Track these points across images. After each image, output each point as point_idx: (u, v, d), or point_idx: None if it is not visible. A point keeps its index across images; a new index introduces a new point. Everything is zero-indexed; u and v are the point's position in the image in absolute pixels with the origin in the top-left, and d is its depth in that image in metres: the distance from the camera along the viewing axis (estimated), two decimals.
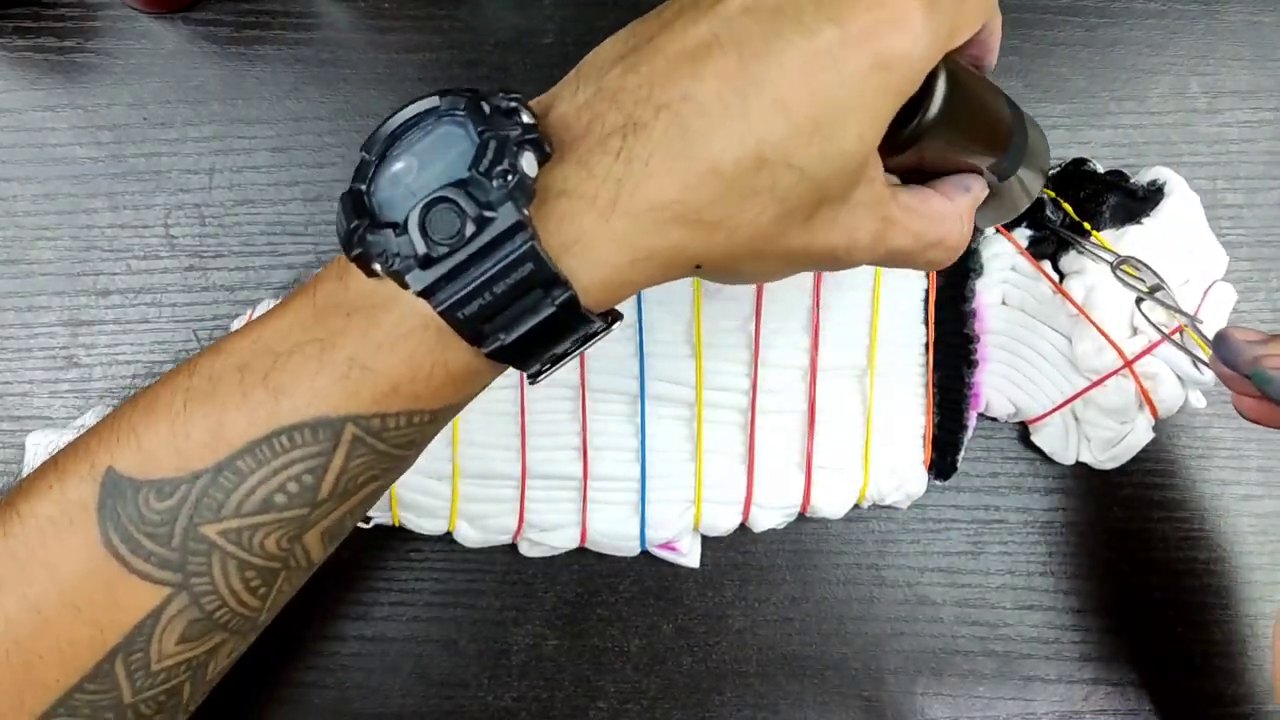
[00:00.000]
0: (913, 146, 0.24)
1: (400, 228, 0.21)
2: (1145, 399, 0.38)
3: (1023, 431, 0.41)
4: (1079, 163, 0.41)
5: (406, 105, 0.23)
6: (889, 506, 0.39)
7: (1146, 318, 0.37)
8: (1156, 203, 0.38)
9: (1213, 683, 0.39)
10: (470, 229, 0.21)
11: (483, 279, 0.21)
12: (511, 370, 0.24)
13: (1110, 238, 0.38)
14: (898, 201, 0.25)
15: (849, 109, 0.22)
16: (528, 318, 0.22)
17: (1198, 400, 0.39)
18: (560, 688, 0.39)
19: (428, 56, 0.41)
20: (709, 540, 0.39)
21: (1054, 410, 0.39)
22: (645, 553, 0.38)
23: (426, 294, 0.21)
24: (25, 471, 0.35)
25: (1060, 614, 0.40)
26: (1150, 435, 0.38)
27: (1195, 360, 0.36)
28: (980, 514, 0.40)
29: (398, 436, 0.24)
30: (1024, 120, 0.29)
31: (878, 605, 0.40)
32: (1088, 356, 0.38)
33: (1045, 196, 0.39)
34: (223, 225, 0.40)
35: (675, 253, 0.22)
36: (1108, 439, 0.38)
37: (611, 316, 0.24)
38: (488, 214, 0.20)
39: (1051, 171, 0.41)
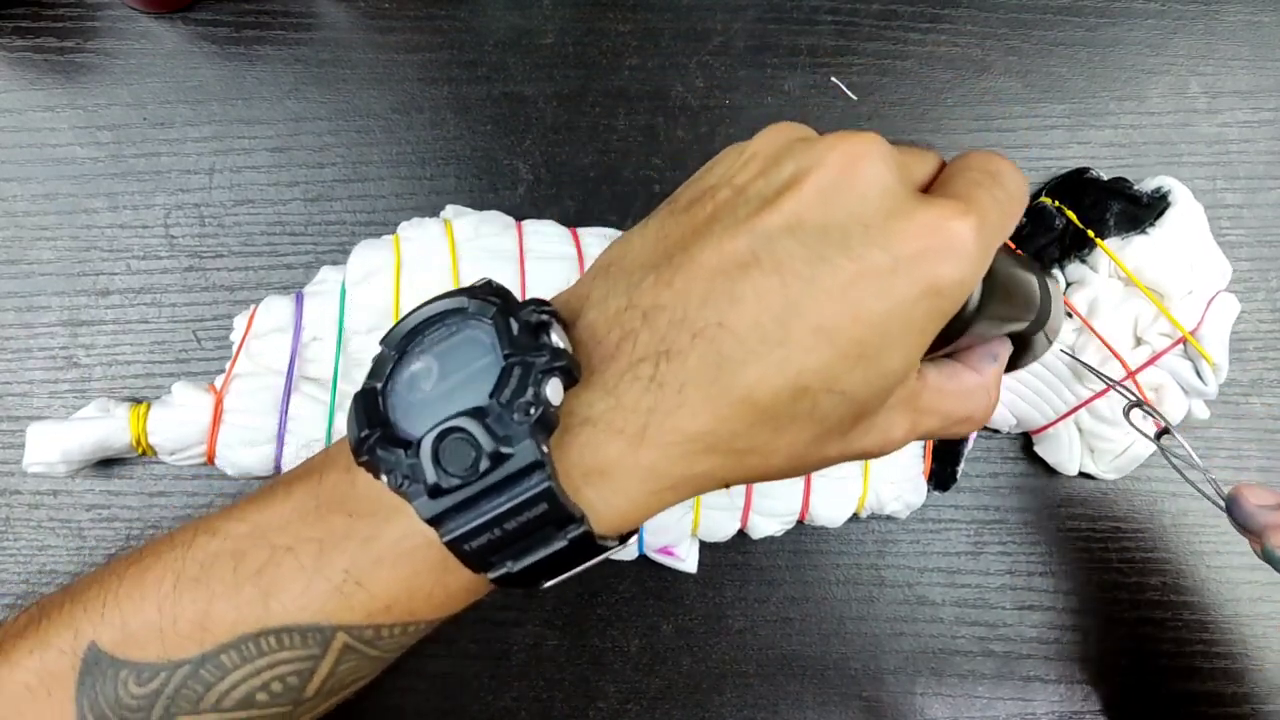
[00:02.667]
0: (950, 343, 0.24)
1: (412, 449, 0.20)
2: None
3: (1023, 433, 0.41)
4: (1081, 171, 0.41)
5: (431, 301, 0.22)
6: (888, 516, 0.39)
7: (1168, 453, 0.36)
8: (1161, 210, 0.38)
9: (1213, 683, 0.39)
10: (485, 464, 0.19)
11: (494, 514, 0.20)
12: None
13: (1115, 246, 0.38)
14: (928, 387, 0.24)
15: (897, 334, 0.21)
16: (538, 549, 0.21)
17: (1201, 410, 0.39)
18: (560, 688, 0.39)
19: (428, 56, 0.41)
20: (708, 542, 0.39)
21: (1057, 421, 0.39)
22: (643, 557, 0.38)
23: (433, 522, 0.20)
24: (26, 464, 0.35)
25: (1060, 614, 0.40)
26: (1153, 447, 0.38)
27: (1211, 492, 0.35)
28: (980, 514, 0.40)
29: (390, 644, 0.23)
30: (1042, 275, 0.28)
31: (877, 605, 0.40)
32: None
33: (1049, 205, 0.39)
34: (222, 225, 0.40)
35: (704, 478, 0.22)
36: (1112, 450, 0.38)
37: (627, 535, 0.22)
38: (505, 450, 0.19)
39: (1053, 180, 0.41)
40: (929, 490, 0.39)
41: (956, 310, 0.22)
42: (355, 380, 0.36)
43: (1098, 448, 0.39)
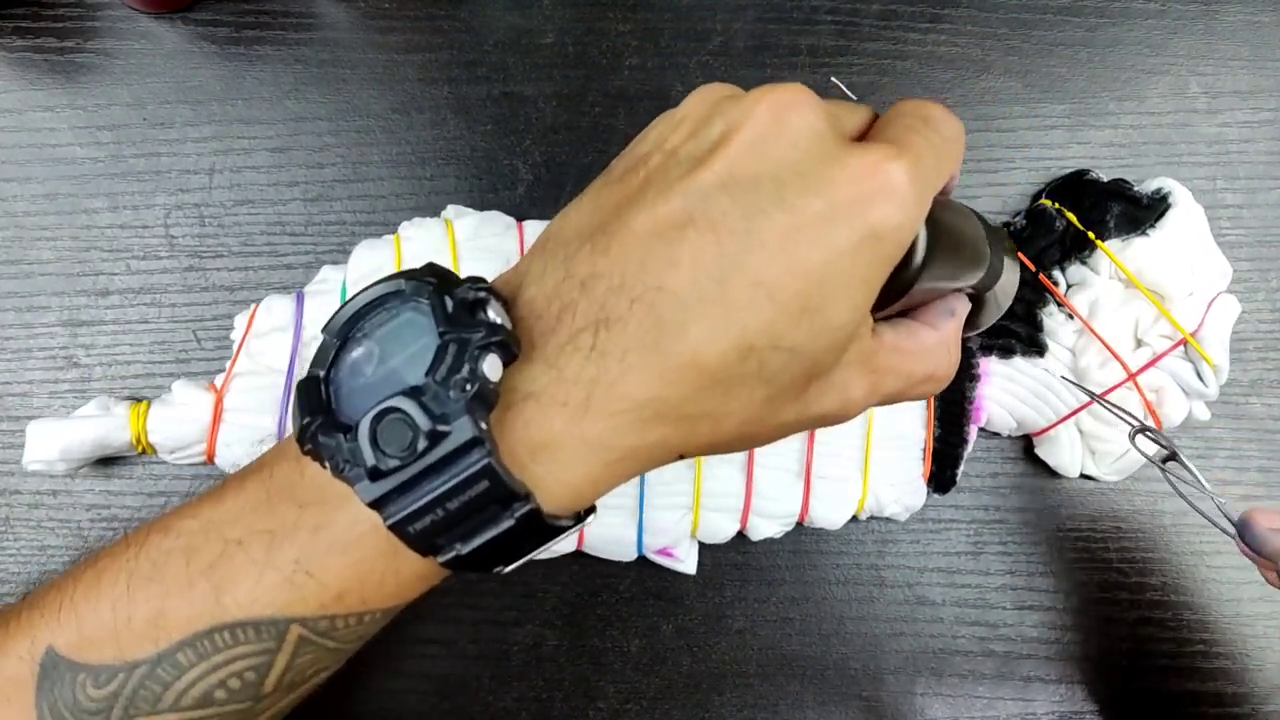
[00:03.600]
0: (901, 298, 0.23)
1: (351, 433, 0.20)
2: (1150, 411, 0.38)
3: (1023, 435, 0.41)
4: (1081, 173, 0.41)
5: (370, 286, 0.22)
6: (888, 518, 0.39)
7: (1174, 477, 0.35)
8: (1161, 212, 0.38)
9: (1213, 683, 0.39)
10: (422, 443, 0.19)
11: (435, 495, 0.19)
12: None
13: (1115, 248, 0.38)
14: (885, 346, 0.24)
15: (839, 284, 0.20)
16: (486, 529, 0.20)
17: (1202, 412, 0.39)
18: (560, 688, 0.39)
19: (428, 56, 0.41)
20: (707, 543, 0.39)
21: (1058, 423, 0.39)
22: (642, 558, 0.38)
23: (375, 506, 0.20)
24: (26, 462, 0.35)
25: (1060, 614, 0.40)
26: (1154, 448, 0.38)
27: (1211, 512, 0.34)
28: (980, 514, 0.40)
29: (347, 634, 0.23)
30: (989, 225, 0.28)
31: (877, 606, 0.40)
32: (1092, 370, 0.38)
33: (1049, 208, 0.39)
34: (222, 225, 0.40)
35: (656, 449, 0.21)
36: (1113, 452, 0.38)
37: (584, 513, 0.22)
38: (441, 428, 0.19)
39: (1053, 182, 0.41)
40: (929, 492, 0.39)
41: (899, 256, 0.21)
42: None
43: (1099, 450, 0.39)
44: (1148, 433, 0.35)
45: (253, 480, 0.23)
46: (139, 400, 0.37)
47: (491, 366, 0.20)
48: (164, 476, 0.39)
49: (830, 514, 0.38)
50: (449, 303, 0.21)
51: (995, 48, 0.43)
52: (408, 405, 0.19)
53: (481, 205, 0.40)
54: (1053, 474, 0.40)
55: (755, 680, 0.39)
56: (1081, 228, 0.39)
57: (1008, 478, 0.41)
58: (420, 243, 0.37)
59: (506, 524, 0.20)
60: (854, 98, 0.42)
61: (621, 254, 0.21)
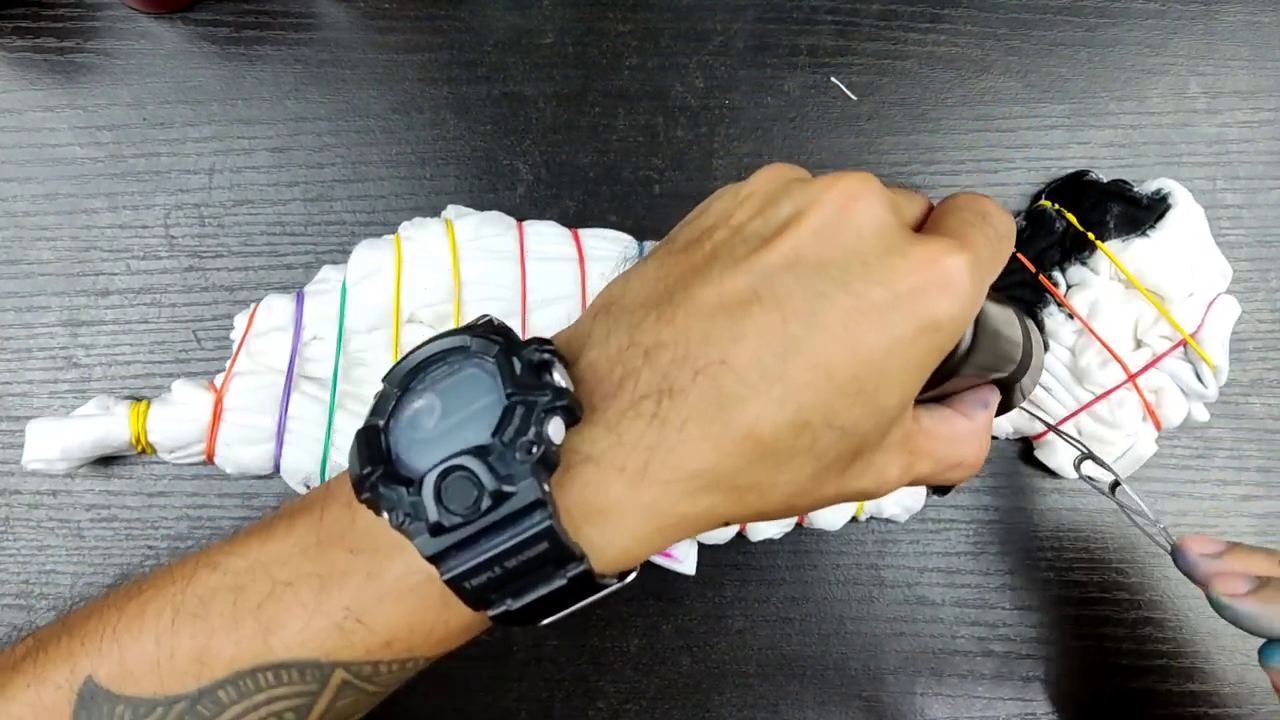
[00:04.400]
0: (942, 384, 0.24)
1: (414, 487, 0.20)
2: (1149, 412, 0.38)
3: (1022, 437, 0.41)
4: (1080, 174, 0.41)
5: (434, 339, 0.22)
6: (887, 520, 0.39)
7: (1124, 505, 0.36)
8: (1161, 212, 0.38)
9: (1213, 682, 0.39)
10: (486, 502, 0.20)
11: (495, 553, 0.20)
12: None
13: (1115, 248, 0.38)
14: (923, 430, 0.25)
15: (895, 369, 0.21)
16: (539, 587, 0.21)
17: (1201, 413, 0.39)
18: (560, 688, 0.39)
19: (428, 56, 0.41)
20: (707, 544, 0.39)
21: (1058, 424, 0.39)
22: None
23: (434, 560, 0.20)
24: (25, 461, 0.35)
25: (1060, 614, 0.40)
26: (1154, 448, 0.38)
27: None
28: (980, 514, 0.40)
29: (389, 679, 0.23)
30: (1023, 318, 0.29)
31: (877, 606, 0.40)
32: (1092, 370, 0.38)
33: (1049, 209, 0.39)
34: (222, 225, 0.40)
35: (704, 516, 0.22)
36: (1112, 453, 0.38)
37: (626, 574, 0.23)
38: (507, 488, 0.20)
39: (1053, 183, 0.41)
40: (928, 494, 0.39)
41: (950, 347, 0.22)
42: (355, 380, 0.36)
43: (1098, 450, 0.39)
44: (1094, 460, 0.36)
45: (302, 522, 0.23)
46: (139, 400, 0.37)
47: (556, 429, 0.20)
48: (164, 476, 0.39)
49: (830, 515, 0.38)
50: (516, 364, 0.21)
51: (995, 48, 0.43)
52: (474, 464, 0.20)
53: (481, 205, 0.40)
54: (1052, 475, 0.40)
55: (755, 680, 0.39)
56: (1081, 228, 0.39)
57: (1007, 478, 0.41)
58: (420, 242, 0.37)
59: (558, 583, 0.20)
60: (854, 98, 0.42)
61: (686, 325, 0.21)
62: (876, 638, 0.39)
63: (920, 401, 0.25)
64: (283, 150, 0.40)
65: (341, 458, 0.35)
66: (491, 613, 0.21)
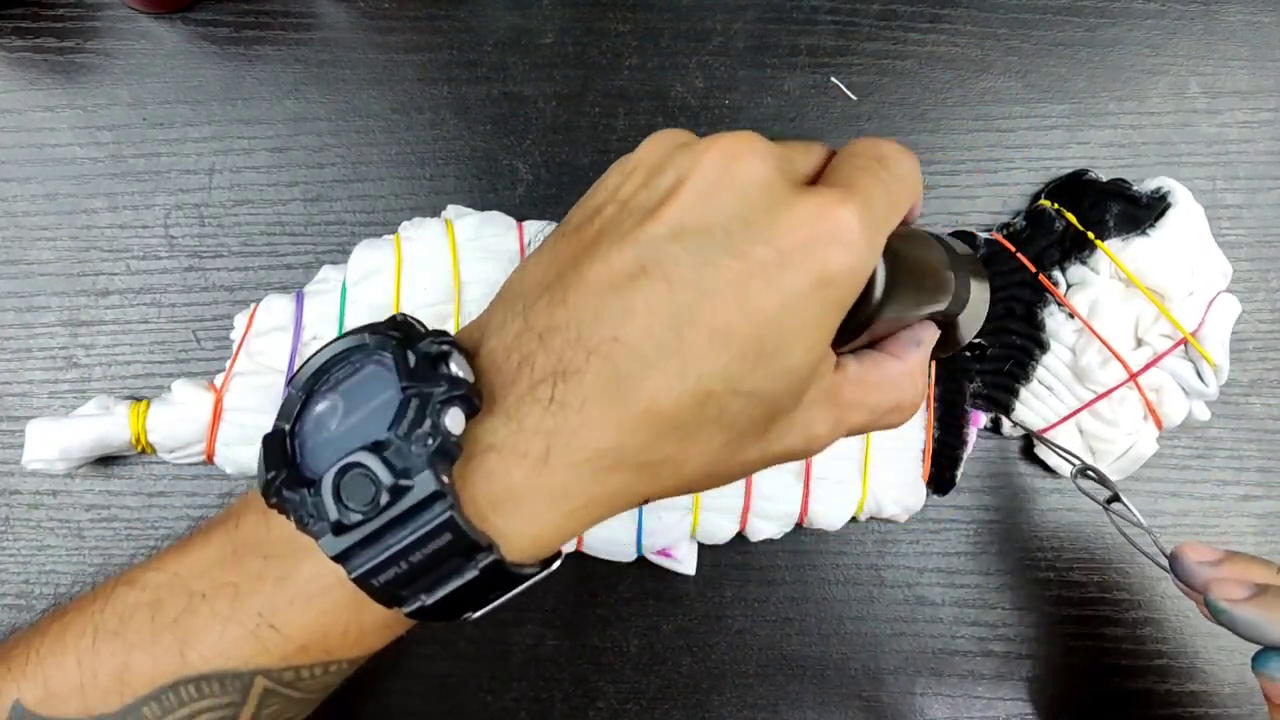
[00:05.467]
0: (862, 333, 0.23)
1: (315, 488, 0.20)
2: (1150, 411, 0.38)
3: (1024, 435, 0.41)
4: (1079, 173, 0.41)
5: (334, 340, 0.22)
6: (887, 520, 0.39)
7: (1117, 507, 0.36)
8: (1161, 211, 0.38)
9: (1213, 682, 0.39)
10: (385, 498, 0.19)
11: (398, 548, 0.20)
12: None
13: (1115, 247, 0.38)
14: (848, 380, 0.24)
15: (793, 328, 0.21)
16: (450, 580, 0.20)
17: (1202, 412, 0.39)
18: (560, 688, 0.39)
19: (428, 56, 0.41)
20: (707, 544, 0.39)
21: (1059, 423, 0.39)
22: (641, 558, 0.38)
23: (339, 560, 0.20)
24: (25, 461, 0.35)
25: (1060, 614, 0.40)
26: (1155, 447, 0.38)
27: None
28: (980, 514, 0.40)
29: (312, 684, 0.23)
30: (954, 251, 0.28)
31: (877, 606, 0.40)
32: (1093, 369, 0.38)
33: (1048, 208, 0.39)
34: (222, 225, 0.40)
35: (618, 495, 0.21)
36: (1113, 451, 0.38)
37: (551, 559, 0.22)
38: (404, 482, 0.19)
39: (1052, 183, 0.41)
40: (928, 493, 0.39)
41: (853, 297, 0.22)
42: None
43: (1099, 449, 0.39)
44: (1090, 472, 0.36)
45: (218, 532, 0.23)
46: (139, 400, 0.37)
47: (454, 420, 0.20)
48: (164, 476, 0.39)
49: (830, 515, 0.38)
50: (411, 357, 0.21)
51: (995, 48, 0.43)
52: (370, 460, 0.19)
53: (481, 205, 0.40)
54: (1052, 475, 0.40)
55: (755, 680, 0.39)
56: (1081, 228, 0.39)
57: (1007, 478, 0.41)
58: (420, 243, 0.37)
59: (470, 575, 0.20)
60: (854, 98, 0.42)
61: (577, 305, 0.21)
62: (876, 638, 0.39)
63: (849, 350, 0.25)
64: (283, 150, 0.41)
65: None
66: (406, 610, 0.21)
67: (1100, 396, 0.38)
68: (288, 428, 0.21)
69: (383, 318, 0.36)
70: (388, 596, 0.21)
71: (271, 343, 0.37)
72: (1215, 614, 0.30)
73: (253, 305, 0.37)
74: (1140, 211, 0.39)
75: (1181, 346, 0.38)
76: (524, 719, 0.38)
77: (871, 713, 0.39)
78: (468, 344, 0.23)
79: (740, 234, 0.21)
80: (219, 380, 0.36)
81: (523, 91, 0.42)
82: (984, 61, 0.43)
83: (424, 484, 0.19)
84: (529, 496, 0.21)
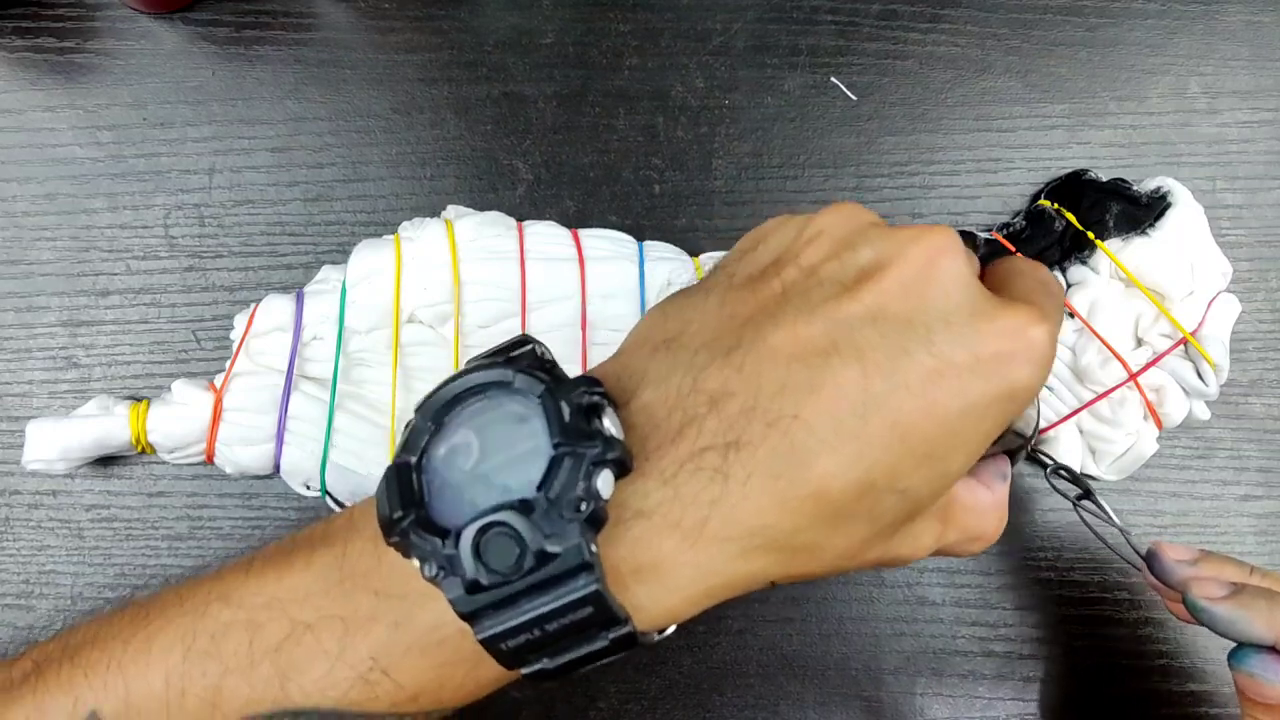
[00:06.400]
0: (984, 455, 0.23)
1: (450, 539, 0.19)
2: (1150, 411, 0.38)
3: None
4: (1079, 173, 0.41)
5: (472, 370, 0.21)
6: None
7: (1085, 516, 0.36)
8: (1161, 211, 0.38)
9: (1214, 682, 0.39)
10: (529, 562, 0.18)
11: (534, 615, 0.19)
12: None
13: (1115, 247, 0.38)
14: (957, 500, 0.24)
15: (965, 435, 0.20)
16: (578, 648, 0.19)
17: (1202, 412, 0.39)
18: (560, 688, 0.39)
19: (428, 56, 0.41)
20: None
21: (1058, 423, 0.39)
22: None
23: (468, 619, 0.19)
24: (25, 461, 0.35)
25: (1059, 614, 0.40)
26: (1155, 447, 0.38)
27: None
28: None
29: None
30: None
31: (878, 605, 0.40)
32: (1093, 369, 0.38)
33: (1048, 208, 0.39)
34: (222, 225, 0.40)
35: (754, 576, 0.21)
36: (1113, 451, 0.38)
37: (664, 629, 0.22)
38: (551, 548, 0.18)
39: (1051, 183, 0.41)
40: None
41: (1017, 417, 0.22)
42: (355, 380, 0.36)
43: (1099, 449, 0.39)
44: (1064, 471, 0.36)
45: (323, 556, 0.22)
46: (139, 400, 0.37)
47: (605, 483, 0.19)
48: (164, 476, 0.39)
49: None
50: (565, 409, 0.19)
51: (995, 48, 0.43)
52: (518, 523, 0.18)
53: (481, 205, 0.40)
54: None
55: (756, 680, 0.39)
56: (1081, 227, 0.39)
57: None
58: (421, 243, 0.37)
59: (599, 645, 0.19)
60: (854, 98, 0.42)
61: (756, 372, 0.20)
62: (876, 638, 0.39)
63: None
64: (283, 150, 0.40)
65: (341, 458, 0.35)
66: (526, 671, 0.20)
67: (1100, 396, 0.38)
68: (414, 460, 0.20)
69: (383, 318, 0.36)
70: (513, 660, 0.20)
71: (271, 343, 0.37)
72: (1195, 612, 0.30)
73: (253, 305, 0.37)
74: (1140, 211, 0.39)
75: (1181, 346, 0.38)
76: (525, 718, 0.38)
77: (872, 713, 0.39)
78: (616, 392, 0.21)
79: (940, 332, 0.20)
80: (219, 380, 0.36)
81: (523, 91, 0.42)
82: (984, 61, 0.43)
83: (573, 553, 0.18)
84: (674, 569, 0.20)
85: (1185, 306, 0.38)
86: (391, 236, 0.38)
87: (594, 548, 0.19)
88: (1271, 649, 0.29)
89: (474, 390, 0.20)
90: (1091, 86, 0.42)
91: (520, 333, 0.22)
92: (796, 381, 0.20)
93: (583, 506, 0.18)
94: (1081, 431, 0.39)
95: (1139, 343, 0.38)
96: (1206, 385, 0.38)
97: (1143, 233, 0.38)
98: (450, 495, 0.20)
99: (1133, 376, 0.37)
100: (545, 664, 0.20)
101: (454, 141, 0.41)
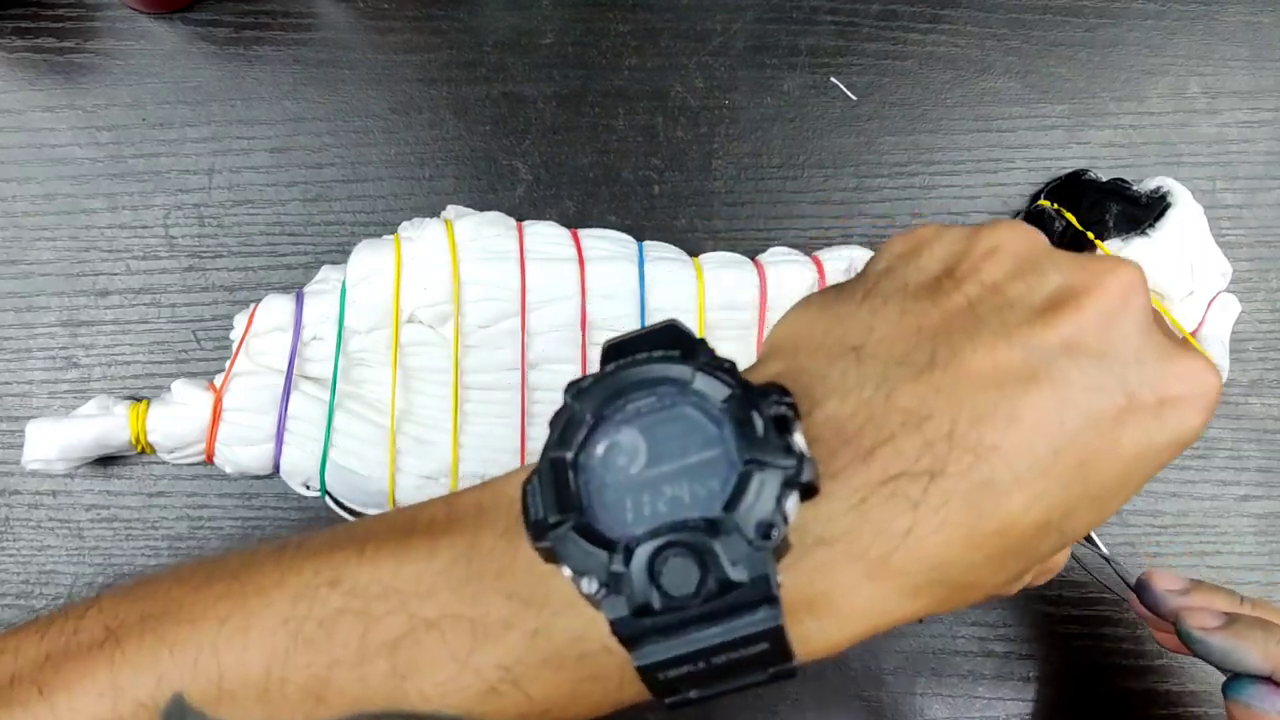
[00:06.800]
0: None
1: (618, 554, 0.17)
2: None
3: None
4: (1079, 173, 0.41)
5: (639, 362, 0.18)
6: None
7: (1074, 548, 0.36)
8: (1160, 211, 0.38)
9: (1214, 682, 0.39)
10: (710, 589, 0.16)
11: (702, 646, 0.17)
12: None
13: (1115, 248, 0.38)
14: None
15: (1135, 477, 0.20)
16: (735, 681, 0.18)
17: None
18: None
19: (427, 56, 0.41)
20: None
21: None
22: None
23: (627, 643, 0.17)
24: (24, 461, 0.35)
25: (1060, 614, 0.40)
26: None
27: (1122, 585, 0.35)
28: None
29: None
30: None
31: None
32: None
33: (1048, 208, 0.39)
34: (222, 225, 0.40)
35: (910, 615, 0.19)
36: None
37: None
38: (736, 577, 0.16)
39: (1051, 183, 0.41)
40: None
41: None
42: (355, 380, 0.36)
43: None
44: None
45: (447, 546, 0.20)
46: (139, 400, 0.37)
47: (793, 506, 0.17)
48: (164, 476, 0.39)
49: None
50: (758, 421, 0.17)
51: (995, 48, 0.43)
52: (707, 546, 0.16)
53: (481, 205, 0.40)
54: None
55: None
56: (1081, 228, 0.39)
57: None
58: (420, 243, 0.37)
59: (756, 679, 0.18)
60: (854, 98, 0.42)
61: (954, 395, 0.19)
62: (876, 638, 0.39)
63: None
64: (282, 150, 0.40)
65: (341, 458, 0.35)
66: (671, 700, 0.18)
67: None
68: (570, 456, 0.18)
69: (383, 318, 0.36)
70: (666, 690, 0.18)
71: (271, 343, 0.37)
72: (1189, 643, 0.30)
73: (252, 305, 0.37)
74: (1140, 211, 0.39)
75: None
76: None
77: (871, 713, 0.39)
78: (795, 388, 0.19)
79: (1134, 370, 0.19)
80: (219, 380, 0.36)
81: (522, 91, 0.42)
82: (984, 61, 0.43)
83: (760, 585, 0.16)
84: (848, 602, 0.18)
85: (1185, 306, 0.38)
86: (391, 236, 0.38)
87: (780, 579, 0.17)
88: (1267, 679, 0.29)
89: (643, 384, 0.18)
90: (1091, 87, 0.42)
91: (667, 319, 0.20)
92: (997, 410, 0.18)
93: (773, 533, 0.16)
94: None
95: None
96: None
97: (1142, 233, 0.38)
98: (612, 501, 0.18)
99: None
100: (693, 695, 0.18)
101: (453, 142, 0.41)
